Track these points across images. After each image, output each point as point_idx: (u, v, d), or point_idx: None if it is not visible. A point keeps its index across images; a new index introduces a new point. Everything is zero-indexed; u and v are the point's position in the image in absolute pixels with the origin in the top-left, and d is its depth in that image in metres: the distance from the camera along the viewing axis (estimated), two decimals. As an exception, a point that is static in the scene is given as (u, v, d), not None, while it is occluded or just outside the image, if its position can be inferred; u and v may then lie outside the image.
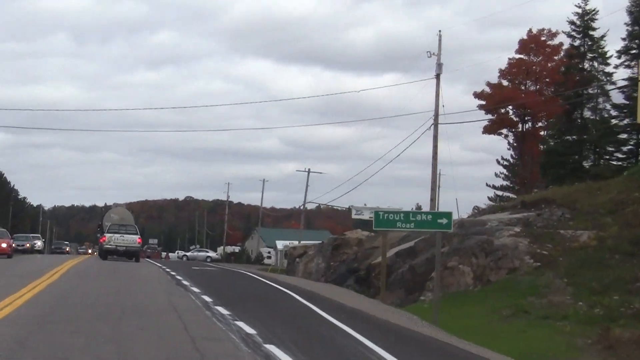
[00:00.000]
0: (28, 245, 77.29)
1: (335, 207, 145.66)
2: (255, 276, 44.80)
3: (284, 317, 21.49)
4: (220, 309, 21.47)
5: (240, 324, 18.35)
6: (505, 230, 40.26)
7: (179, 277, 35.16)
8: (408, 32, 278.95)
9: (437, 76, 62.50)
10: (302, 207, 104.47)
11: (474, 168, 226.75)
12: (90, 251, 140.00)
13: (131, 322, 17.68)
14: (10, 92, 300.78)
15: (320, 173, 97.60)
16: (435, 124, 61.64)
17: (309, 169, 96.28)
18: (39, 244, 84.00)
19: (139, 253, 54.72)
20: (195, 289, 28.32)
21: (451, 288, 37.73)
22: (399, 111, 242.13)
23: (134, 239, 53.47)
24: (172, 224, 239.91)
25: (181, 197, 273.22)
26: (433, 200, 62.85)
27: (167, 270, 42.15)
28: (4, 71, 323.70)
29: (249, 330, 17.30)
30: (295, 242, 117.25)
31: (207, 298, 24.75)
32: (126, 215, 67.90)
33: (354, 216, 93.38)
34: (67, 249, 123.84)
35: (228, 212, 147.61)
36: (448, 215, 32.11)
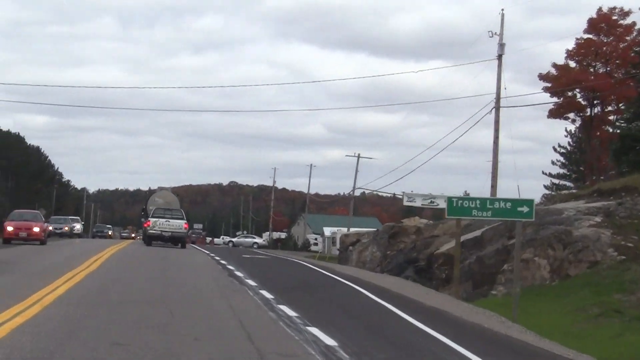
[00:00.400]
0: (67, 228, 73.74)
1: (380, 194, 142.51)
2: (308, 265, 41.64)
3: (365, 322, 18.10)
4: (285, 309, 18.19)
5: (315, 331, 15.05)
6: (584, 220, 36.63)
7: (230, 267, 31.99)
8: (454, 19, 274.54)
9: (499, 57, 58.95)
10: (349, 194, 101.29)
11: (521, 156, 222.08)
12: (133, 235, 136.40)
13: (182, 328, 14.42)
14: (55, 74, 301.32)
15: (370, 158, 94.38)
16: (497, 107, 58.14)
17: (359, 154, 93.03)
18: (77, 226, 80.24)
19: (185, 239, 51.74)
20: (251, 282, 25.11)
21: (525, 282, 34.28)
22: (454, 97, 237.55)
23: (180, 224, 50.43)
24: (216, 209, 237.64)
25: (225, 182, 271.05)
26: (494, 187, 59.31)
27: (217, 258, 39.04)
28: (50, 54, 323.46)
29: (328, 340, 13.99)
30: (344, 229, 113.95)
31: (266, 294, 21.49)
32: (172, 199, 64.90)
33: (405, 203, 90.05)
34: (110, 233, 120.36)
35: (274, 198, 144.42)
36: (529, 202, 28.92)
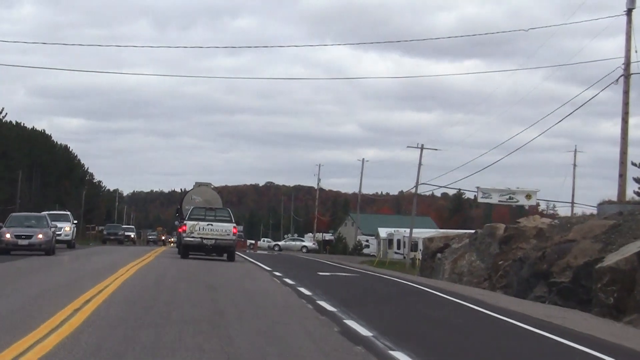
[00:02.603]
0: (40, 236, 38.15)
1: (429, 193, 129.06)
2: (418, 286, 27.95)
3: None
4: None
5: None
6: None
7: (321, 303, 18.18)
8: (490, 18, 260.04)
9: (629, 12, 45.00)
10: (405, 192, 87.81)
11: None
12: (163, 238, 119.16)
13: None
14: (91, 77, 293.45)
15: (435, 149, 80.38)
16: (626, 75, 44.07)
17: (422, 145, 78.95)
18: (66, 228, 50.52)
19: (235, 248, 37.92)
20: (399, 355, 11.42)
21: None
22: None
23: (227, 229, 36.77)
24: (252, 210, 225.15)
25: (261, 183, 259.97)
26: (622, 176, 45.14)
27: (286, 280, 25.42)
28: (86, 56, 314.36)
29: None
30: (401, 230, 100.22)
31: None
32: (212, 197, 51.30)
33: (480, 199, 76.49)
34: (132, 236, 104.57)
35: (318, 197, 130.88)
36: None
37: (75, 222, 54.16)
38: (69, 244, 49.87)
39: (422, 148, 79.44)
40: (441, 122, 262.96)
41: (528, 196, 72.43)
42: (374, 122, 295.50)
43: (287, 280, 24.84)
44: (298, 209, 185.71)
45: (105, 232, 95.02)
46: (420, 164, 78.70)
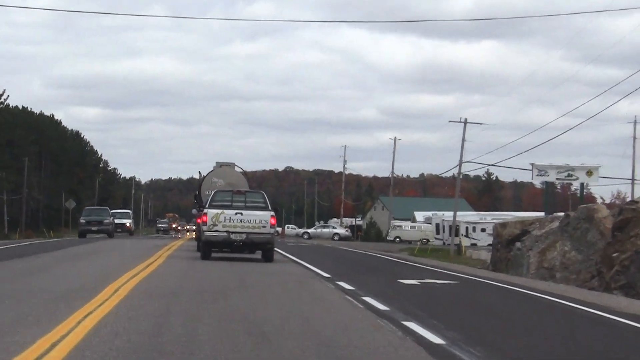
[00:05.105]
0: None
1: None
2: (561, 301, 18.27)
3: None
4: None
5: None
6: None
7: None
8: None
9: None
10: (449, 174, 77.87)
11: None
12: (179, 228, 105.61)
13: None
14: (108, 66, 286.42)
15: (480, 124, 70.47)
16: None
17: (466, 119, 69.03)
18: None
19: (273, 244, 27.68)
20: None
21: None
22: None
23: (263, 219, 26.46)
24: (273, 196, 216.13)
25: (281, 168, 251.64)
26: None
27: (354, 291, 16.18)
28: (102, 46, 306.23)
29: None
30: (439, 213, 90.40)
31: None
32: (237, 180, 41.43)
33: (535, 178, 66.91)
34: (128, 224, 71.40)
35: (344, 180, 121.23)
36: None
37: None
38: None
39: (465, 122, 69.50)
40: (461, 104, 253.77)
41: (589, 173, 62.86)
42: (392, 106, 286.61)
43: (372, 302, 15.01)
44: (320, 193, 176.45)
45: (82, 221, 60.23)
46: (463, 139, 68.76)
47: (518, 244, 37.61)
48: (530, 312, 15.91)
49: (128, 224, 71.22)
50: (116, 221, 64.99)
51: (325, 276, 21.23)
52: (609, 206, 49.33)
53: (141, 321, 11.80)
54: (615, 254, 29.49)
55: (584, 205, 36.97)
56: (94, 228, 58.46)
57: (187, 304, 14.06)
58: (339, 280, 19.67)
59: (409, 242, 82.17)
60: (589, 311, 16.17)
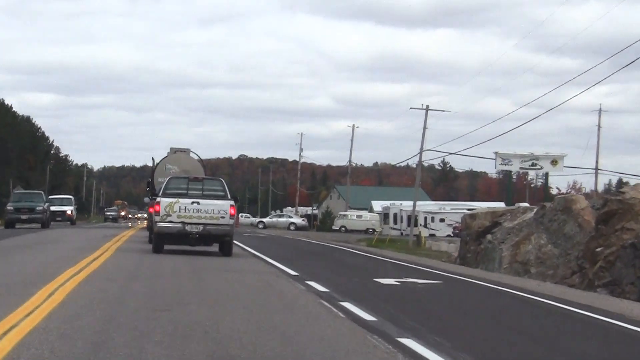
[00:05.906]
0: None
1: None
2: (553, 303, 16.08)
3: None
4: None
5: None
6: None
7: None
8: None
9: None
10: (405, 163, 74.90)
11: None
12: (129, 216, 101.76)
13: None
14: (62, 52, 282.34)
15: (442, 111, 68.27)
16: None
17: (427, 106, 66.84)
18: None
19: (232, 237, 25.12)
20: None
21: None
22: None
23: (221, 209, 24.06)
24: (227, 183, 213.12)
25: (234, 156, 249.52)
26: None
27: (328, 293, 13.93)
28: (56, 31, 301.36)
29: None
30: (397, 203, 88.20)
31: None
32: (193, 167, 38.78)
33: (498, 167, 64.92)
34: (69, 212, 62.51)
35: (300, 169, 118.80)
36: None
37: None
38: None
39: (427, 109, 67.36)
40: (416, 92, 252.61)
41: (554, 162, 61.15)
42: (346, 94, 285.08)
43: (353, 309, 12.60)
44: (274, 182, 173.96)
45: (10, 208, 51.42)
46: (425, 127, 66.62)
47: (489, 237, 35.47)
48: (550, 324, 13.50)
49: (69, 212, 63.41)
50: (55, 208, 58.54)
51: (293, 274, 18.77)
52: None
53: (76, 339, 9.32)
54: (599, 249, 27.43)
55: (561, 195, 34.91)
56: (24, 217, 50.18)
57: (134, 313, 11.58)
58: (309, 280, 17.25)
59: (355, 231, 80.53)
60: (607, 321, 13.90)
